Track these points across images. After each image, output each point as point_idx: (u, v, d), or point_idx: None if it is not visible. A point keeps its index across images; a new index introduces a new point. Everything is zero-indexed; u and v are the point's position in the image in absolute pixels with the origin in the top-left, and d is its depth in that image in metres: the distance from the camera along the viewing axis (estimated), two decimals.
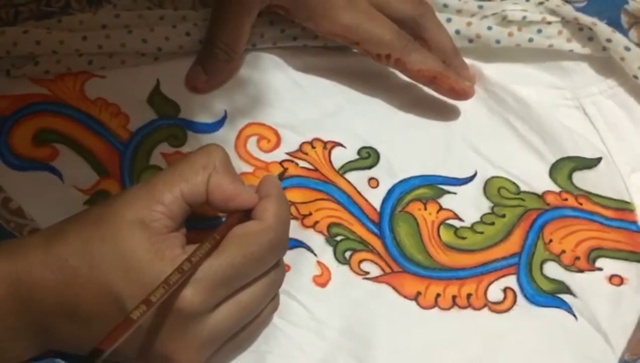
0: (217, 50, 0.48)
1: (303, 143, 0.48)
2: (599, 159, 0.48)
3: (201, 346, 0.36)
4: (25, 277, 0.35)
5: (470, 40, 0.51)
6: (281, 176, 0.44)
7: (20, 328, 0.36)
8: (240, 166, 0.47)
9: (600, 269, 0.45)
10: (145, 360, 0.37)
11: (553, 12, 0.51)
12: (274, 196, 0.39)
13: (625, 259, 0.45)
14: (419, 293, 0.44)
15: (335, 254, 0.45)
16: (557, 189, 0.48)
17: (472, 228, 0.46)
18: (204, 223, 0.41)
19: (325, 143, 0.48)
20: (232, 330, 0.38)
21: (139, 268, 0.35)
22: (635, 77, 0.50)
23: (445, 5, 0.51)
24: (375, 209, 0.46)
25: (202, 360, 0.37)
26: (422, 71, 0.48)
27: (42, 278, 0.35)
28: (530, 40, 0.50)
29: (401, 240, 0.45)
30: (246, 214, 0.38)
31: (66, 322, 0.36)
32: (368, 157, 0.48)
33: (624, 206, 0.47)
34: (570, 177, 0.48)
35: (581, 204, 0.47)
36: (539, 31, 0.51)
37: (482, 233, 0.46)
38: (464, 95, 0.49)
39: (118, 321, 0.33)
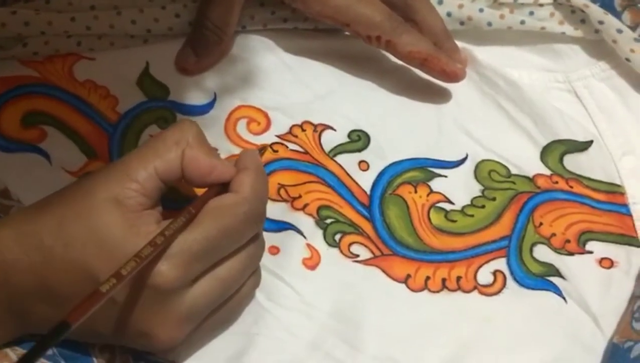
0: (207, 31, 0.48)
1: (293, 126, 0.48)
2: (590, 143, 0.49)
3: (180, 321, 0.36)
4: (0, 259, 0.35)
5: (462, 23, 0.51)
6: (262, 152, 0.44)
7: None
8: (230, 149, 0.47)
9: (590, 252, 0.45)
10: (123, 337, 0.37)
11: None
12: (252, 169, 0.39)
13: (615, 242, 0.46)
14: (408, 276, 0.44)
15: (325, 237, 0.45)
16: (547, 172, 0.48)
17: (462, 211, 0.46)
18: (182, 203, 0.40)
19: (315, 126, 0.48)
20: (212, 305, 0.38)
21: (113, 245, 0.35)
22: (628, 60, 0.50)
23: None
24: (365, 192, 0.46)
25: (182, 336, 0.37)
26: (413, 52, 0.48)
27: (16, 259, 0.35)
28: (522, 22, 0.50)
29: (391, 223, 0.45)
30: (224, 188, 0.38)
31: (42, 303, 0.36)
32: (358, 140, 0.48)
33: (614, 190, 0.47)
34: (561, 160, 0.48)
35: (572, 187, 0.47)
36: (531, 13, 0.51)
37: (472, 216, 0.46)
38: (455, 77, 0.49)
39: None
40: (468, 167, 0.48)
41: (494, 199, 0.47)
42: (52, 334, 0.30)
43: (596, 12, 0.50)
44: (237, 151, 0.47)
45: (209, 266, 0.37)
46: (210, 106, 0.48)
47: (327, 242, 0.45)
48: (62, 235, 0.35)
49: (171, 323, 0.36)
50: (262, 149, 0.45)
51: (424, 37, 0.48)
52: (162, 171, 0.37)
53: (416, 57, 0.48)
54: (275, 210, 0.45)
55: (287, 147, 0.47)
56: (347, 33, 0.50)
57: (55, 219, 0.35)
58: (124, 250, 0.34)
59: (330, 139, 0.48)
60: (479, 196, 0.47)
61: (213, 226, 0.36)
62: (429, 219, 0.46)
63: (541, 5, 0.51)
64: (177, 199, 0.40)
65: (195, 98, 0.48)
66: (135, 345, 0.38)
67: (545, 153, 0.48)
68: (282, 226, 0.45)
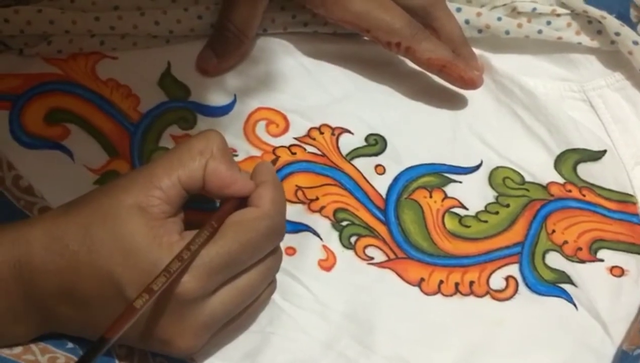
0: (229, 33, 0.49)
1: (311, 129, 0.49)
2: (603, 152, 0.49)
3: (199, 330, 0.37)
4: (27, 261, 0.36)
5: (480, 31, 0.51)
6: (274, 163, 0.45)
7: (23, 310, 0.37)
8: (249, 150, 0.48)
9: (601, 260, 0.46)
10: (144, 343, 0.38)
11: (563, 5, 0.52)
12: (270, 183, 0.39)
13: (626, 251, 0.46)
14: (422, 280, 0.45)
15: (340, 239, 0.45)
16: (561, 180, 0.48)
17: (476, 216, 0.47)
18: (199, 204, 0.41)
19: (333, 129, 0.49)
20: (230, 315, 0.39)
21: (137, 254, 0.36)
22: None
23: None
24: (381, 196, 0.47)
25: (200, 344, 0.38)
26: (432, 59, 0.49)
27: (44, 262, 0.36)
28: (539, 32, 0.51)
29: (406, 227, 0.46)
30: (242, 202, 0.39)
31: (67, 306, 0.37)
32: (375, 144, 0.49)
33: (626, 199, 0.48)
34: (574, 169, 0.49)
35: (584, 196, 0.48)
36: (548, 23, 0.51)
37: (486, 221, 0.47)
38: (473, 84, 0.49)
39: (116, 304, 0.34)
40: (482, 173, 0.48)
41: (507, 205, 0.47)
42: (93, 349, 0.32)
43: (613, 23, 0.50)
44: (255, 152, 0.48)
45: (228, 278, 0.38)
46: (230, 107, 0.49)
47: (342, 244, 0.45)
48: (88, 241, 0.36)
49: (190, 331, 0.37)
50: (274, 160, 0.46)
51: (442, 44, 0.49)
52: (185, 180, 0.38)
53: (435, 63, 0.49)
54: (292, 212, 0.45)
55: (305, 149, 0.48)
56: (366, 38, 0.51)
57: (80, 224, 0.36)
58: (147, 259, 0.35)
59: (347, 143, 0.49)
60: (493, 203, 0.47)
61: (235, 240, 0.37)
62: (444, 224, 0.46)
63: (558, 15, 0.51)
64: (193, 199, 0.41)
65: (216, 99, 0.49)
66: (155, 350, 0.39)
67: (559, 161, 0.49)
68: (298, 227, 0.45)
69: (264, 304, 0.42)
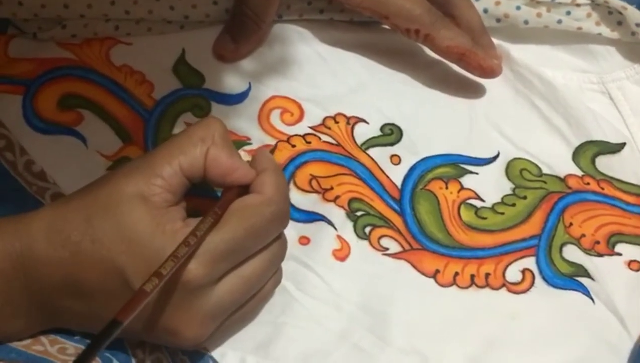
0: (246, 19, 0.49)
1: (326, 118, 0.49)
2: (622, 145, 0.49)
3: (205, 319, 0.37)
4: (29, 253, 0.36)
5: (498, 20, 0.51)
6: (271, 151, 0.45)
7: (25, 303, 0.37)
8: (263, 139, 0.48)
9: (619, 254, 0.46)
10: (151, 333, 0.38)
11: None
12: (272, 170, 0.39)
13: None
14: (437, 271, 0.44)
15: (355, 229, 0.45)
16: (579, 173, 0.48)
17: (492, 208, 0.47)
18: (200, 191, 0.41)
19: (348, 118, 0.49)
20: (236, 303, 0.39)
21: (140, 242, 0.35)
22: None
23: None
24: (396, 186, 0.47)
25: (206, 334, 0.38)
26: (451, 47, 0.49)
27: (46, 254, 0.36)
28: (559, 22, 0.51)
29: (421, 218, 0.46)
30: (244, 190, 0.39)
31: (70, 298, 0.36)
32: (391, 134, 0.49)
33: None
34: (593, 161, 0.49)
35: (603, 189, 0.48)
36: (568, 13, 0.51)
37: (502, 213, 0.47)
38: (492, 73, 0.49)
39: (121, 295, 0.34)
40: (499, 165, 0.48)
41: (524, 197, 0.47)
42: (105, 332, 0.31)
43: (634, 14, 0.50)
44: (269, 140, 0.48)
45: (234, 265, 0.38)
46: (244, 95, 0.49)
47: (357, 234, 0.45)
48: (90, 231, 0.36)
49: (197, 320, 0.37)
50: (272, 150, 0.46)
51: (462, 32, 0.49)
52: (187, 168, 0.38)
53: (454, 51, 0.49)
54: (306, 201, 0.46)
55: (319, 138, 0.48)
56: (383, 26, 0.51)
57: (82, 215, 0.36)
58: (151, 247, 0.35)
59: (362, 132, 0.49)
60: (510, 194, 0.47)
61: (240, 226, 0.37)
62: (459, 215, 0.46)
63: (578, 5, 0.51)
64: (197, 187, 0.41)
65: (230, 87, 0.49)
66: (160, 342, 0.39)
67: (577, 153, 0.49)
68: (313, 217, 0.45)
69: (270, 294, 0.42)
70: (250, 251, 0.38)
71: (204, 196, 0.42)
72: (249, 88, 0.49)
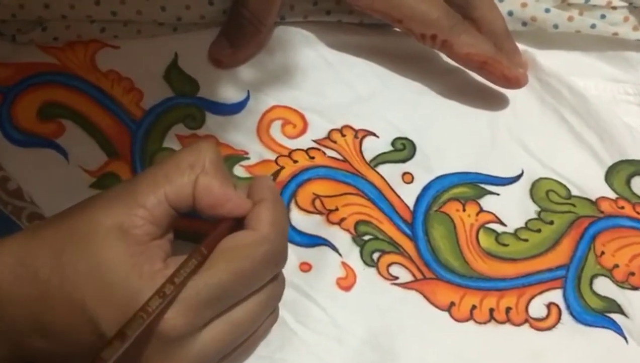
0: (244, 21, 0.46)
1: (332, 130, 0.46)
2: None
3: None
4: None
5: (524, 24, 0.48)
6: (275, 177, 0.42)
7: None
8: (262, 153, 0.45)
9: None
10: None
11: None
12: (269, 201, 0.36)
13: None
14: (452, 304, 0.42)
15: (362, 255, 0.43)
16: (612, 195, 0.46)
17: (515, 234, 0.44)
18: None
19: (356, 132, 0.46)
20: (224, 351, 0.36)
21: (114, 285, 0.32)
22: None
23: None
24: (408, 208, 0.44)
25: None
26: (472, 54, 0.46)
27: (11, 291, 0.33)
28: (593, 26, 0.48)
29: (435, 244, 0.43)
30: (238, 223, 0.36)
31: (38, 338, 0.34)
32: (403, 149, 0.46)
33: None
34: (628, 183, 0.46)
35: (639, 213, 0.45)
36: (603, 17, 0.48)
37: (526, 240, 0.44)
38: (517, 83, 0.46)
39: (91, 340, 0.32)
40: (523, 185, 0.46)
41: (551, 223, 0.44)
42: None
43: None
44: (269, 155, 0.45)
45: (221, 312, 0.34)
46: (242, 105, 0.47)
47: (364, 261, 0.43)
48: (59, 269, 0.33)
49: None
50: (275, 173, 0.44)
51: (484, 37, 0.46)
52: (173, 198, 0.35)
53: (475, 59, 0.46)
54: (309, 223, 0.44)
55: (324, 153, 0.46)
56: (395, 29, 0.48)
57: (52, 249, 0.33)
58: (125, 292, 0.32)
59: (372, 147, 0.46)
60: (535, 219, 0.45)
61: (227, 270, 0.34)
62: (478, 241, 0.44)
63: (614, 8, 0.48)
64: None
65: (227, 95, 0.47)
66: None
67: (610, 173, 0.46)
68: (315, 241, 0.43)
69: (263, 336, 0.39)
70: (240, 296, 0.35)
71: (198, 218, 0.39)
72: (248, 97, 0.47)
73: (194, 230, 0.37)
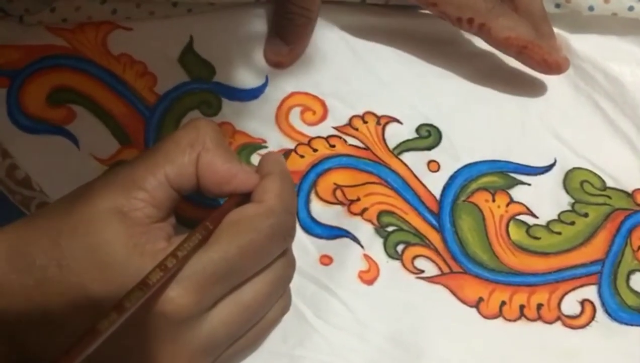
0: (294, 15, 0.46)
1: (353, 117, 0.45)
2: None
3: (195, 355, 0.33)
4: None
5: (558, 5, 0.47)
6: (286, 156, 0.42)
7: None
8: (280, 141, 0.44)
9: None
10: None
11: None
12: (277, 175, 0.36)
13: None
14: (481, 299, 0.41)
15: (385, 247, 0.42)
16: None
17: (547, 226, 0.43)
18: (200, 198, 0.38)
19: (379, 118, 0.45)
20: (233, 336, 0.35)
21: (115, 266, 0.32)
22: None
23: None
24: (434, 198, 0.43)
25: None
26: (511, 39, 0.44)
27: (7, 281, 0.32)
28: (630, 9, 0.46)
29: (463, 235, 0.42)
30: (245, 199, 0.35)
31: (37, 330, 0.33)
32: (428, 136, 0.45)
33: None
34: None
35: None
36: None
37: (559, 233, 0.43)
38: (558, 69, 0.45)
39: None
40: (556, 175, 0.44)
41: (586, 215, 0.43)
42: None
43: None
44: (288, 143, 0.44)
45: (229, 290, 0.34)
46: (260, 90, 0.46)
47: (387, 253, 0.42)
48: (57, 254, 0.32)
49: (185, 358, 0.33)
50: (287, 153, 0.43)
51: (523, 20, 0.45)
52: (174, 178, 0.34)
53: (514, 44, 0.44)
54: (329, 214, 0.42)
55: (345, 141, 0.44)
56: (422, 10, 0.47)
57: (50, 235, 0.32)
58: (127, 272, 0.31)
59: (395, 134, 0.45)
60: (568, 211, 0.43)
61: (232, 243, 0.33)
62: (508, 234, 0.43)
63: None
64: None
65: (244, 81, 0.46)
66: None
67: None
68: (336, 233, 0.42)
69: (276, 322, 0.38)
70: (248, 273, 0.34)
71: (204, 205, 0.39)
72: (266, 83, 0.46)
73: (199, 218, 0.36)
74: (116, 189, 0.33)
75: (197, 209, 0.39)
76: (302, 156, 0.44)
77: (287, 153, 0.43)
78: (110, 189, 0.33)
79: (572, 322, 0.41)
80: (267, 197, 0.35)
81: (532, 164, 0.45)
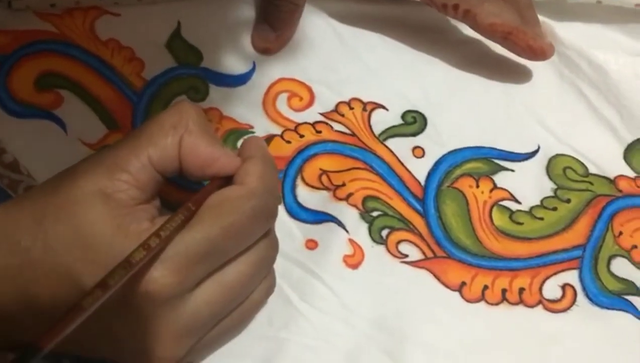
0: (280, 1, 0.46)
1: (339, 103, 0.46)
2: None
3: (179, 336, 0.34)
4: None
5: None
6: (269, 141, 0.42)
7: None
8: (267, 127, 0.44)
9: None
10: (117, 355, 0.34)
11: None
12: (259, 158, 0.36)
13: None
14: (463, 284, 0.41)
15: (370, 232, 0.42)
16: (631, 174, 0.45)
17: (530, 212, 0.43)
18: (184, 182, 0.39)
19: (365, 104, 0.46)
20: (217, 316, 0.35)
21: (99, 247, 0.32)
22: None
23: None
24: (419, 183, 0.44)
25: (182, 353, 0.34)
26: (496, 25, 0.45)
27: None
28: None
29: (447, 221, 0.43)
30: (227, 183, 0.36)
31: (23, 312, 0.33)
32: (414, 122, 0.45)
33: None
34: None
35: None
36: None
37: (541, 219, 0.43)
38: (542, 55, 0.45)
39: None
40: (539, 161, 0.45)
41: (568, 201, 0.44)
42: (19, 360, 0.27)
43: None
44: (275, 129, 0.44)
45: (212, 270, 0.34)
46: (247, 76, 0.46)
47: (372, 238, 0.42)
48: (41, 236, 0.32)
49: (168, 338, 0.33)
50: (269, 138, 0.43)
51: (508, 6, 0.45)
52: (157, 161, 0.34)
53: (499, 30, 0.45)
54: (315, 199, 0.43)
55: (331, 127, 0.45)
56: None
57: (33, 217, 0.33)
58: (111, 253, 0.32)
59: (381, 120, 0.45)
60: (551, 197, 0.44)
61: (215, 224, 0.33)
62: (491, 219, 0.43)
63: None
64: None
65: (232, 66, 0.46)
66: None
67: (630, 151, 0.46)
68: (321, 217, 0.42)
69: (261, 304, 0.38)
70: (230, 254, 0.35)
71: (188, 189, 0.39)
72: (253, 69, 0.46)
73: (183, 200, 0.36)
74: (100, 172, 0.33)
75: (181, 192, 0.40)
76: (288, 142, 0.44)
77: (269, 138, 0.43)
78: (94, 171, 0.33)
79: (553, 306, 0.41)
80: (249, 179, 0.35)
81: (515, 151, 0.45)
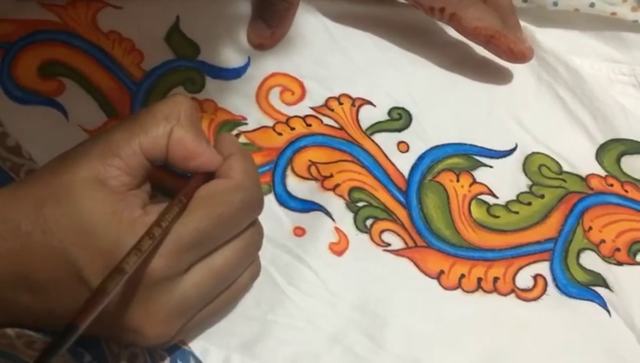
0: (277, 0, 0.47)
1: (329, 98, 0.47)
2: None
3: (170, 316, 0.35)
4: None
5: (525, 0, 0.49)
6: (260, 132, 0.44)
7: None
8: (260, 119, 0.46)
9: None
10: (110, 331, 0.36)
11: None
12: (239, 154, 0.38)
13: None
14: (442, 272, 0.43)
15: (355, 221, 0.44)
16: (602, 173, 0.46)
17: (506, 206, 0.45)
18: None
19: (353, 100, 0.47)
20: (206, 298, 0.37)
21: (94, 232, 0.33)
22: None
23: None
24: (402, 176, 0.45)
25: (171, 332, 0.36)
26: (479, 28, 0.46)
27: None
28: (591, 5, 0.49)
29: (428, 212, 0.44)
30: (209, 177, 0.37)
31: (22, 292, 0.34)
32: (399, 118, 0.47)
33: None
34: (618, 161, 0.47)
35: (627, 191, 0.46)
36: None
37: (517, 213, 0.45)
38: (522, 58, 0.47)
39: (75, 289, 0.33)
40: (516, 159, 0.47)
41: (542, 196, 0.45)
42: (61, 338, 0.29)
43: None
44: (267, 121, 0.46)
45: (201, 256, 0.36)
46: (242, 70, 0.47)
47: (357, 227, 0.44)
48: (40, 221, 0.34)
49: (160, 317, 0.35)
50: (237, 135, 0.45)
51: (491, 11, 0.47)
52: (148, 148, 0.36)
53: (482, 33, 0.47)
54: (304, 189, 0.44)
55: (321, 121, 0.46)
56: (400, 1, 0.49)
57: (32, 202, 0.34)
58: (106, 238, 0.33)
59: (368, 116, 0.47)
60: (526, 192, 0.45)
61: (206, 215, 0.35)
62: (470, 212, 0.45)
63: None
64: None
65: (228, 60, 0.47)
66: (121, 340, 0.37)
67: (601, 151, 0.47)
68: (310, 206, 0.44)
69: (247, 287, 0.40)
70: (219, 241, 0.36)
71: (173, 172, 0.40)
72: (248, 63, 0.47)
73: (167, 185, 0.38)
74: (94, 157, 0.35)
75: (170, 177, 0.40)
76: (280, 134, 0.45)
77: (237, 135, 0.45)
78: (89, 156, 0.35)
79: (525, 295, 0.43)
80: (234, 173, 0.37)
81: (494, 148, 0.47)
